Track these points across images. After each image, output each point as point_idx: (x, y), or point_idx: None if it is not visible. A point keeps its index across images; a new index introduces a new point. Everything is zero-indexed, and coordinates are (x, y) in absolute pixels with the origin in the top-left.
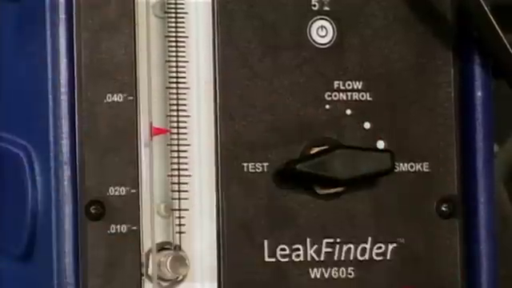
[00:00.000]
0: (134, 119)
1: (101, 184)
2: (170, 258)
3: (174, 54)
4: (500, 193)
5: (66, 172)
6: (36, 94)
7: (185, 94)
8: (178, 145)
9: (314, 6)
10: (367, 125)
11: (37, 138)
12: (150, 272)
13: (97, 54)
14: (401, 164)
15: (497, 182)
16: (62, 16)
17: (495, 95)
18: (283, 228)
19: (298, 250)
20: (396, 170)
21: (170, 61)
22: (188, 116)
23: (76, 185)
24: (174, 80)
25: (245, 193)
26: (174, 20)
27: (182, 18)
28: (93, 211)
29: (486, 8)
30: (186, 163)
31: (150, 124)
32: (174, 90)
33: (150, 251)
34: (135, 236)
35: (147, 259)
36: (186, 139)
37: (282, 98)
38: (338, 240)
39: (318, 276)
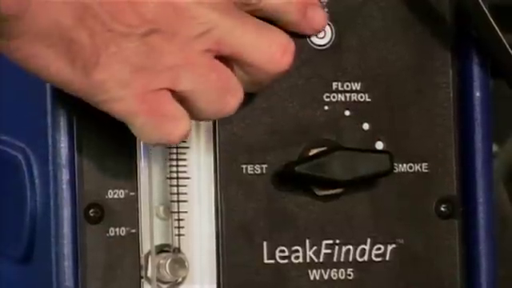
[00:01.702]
0: None
1: (99, 187)
2: (169, 260)
3: None
4: (500, 193)
5: (65, 175)
6: (34, 96)
7: None
8: (177, 147)
9: None
10: (366, 126)
11: (35, 141)
12: (149, 274)
13: None
14: (400, 165)
15: (497, 183)
16: None
17: (495, 95)
18: (282, 230)
19: (298, 251)
20: (395, 171)
21: None
22: None
23: (75, 188)
24: None
25: (244, 195)
26: None
27: None
28: (92, 214)
29: (484, 8)
30: (184, 165)
31: None
32: None
33: (149, 253)
34: (134, 239)
35: (146, 262)
36: (184, 141)
37: (281, 100)
38: (337, 241)
39: (318, 277)
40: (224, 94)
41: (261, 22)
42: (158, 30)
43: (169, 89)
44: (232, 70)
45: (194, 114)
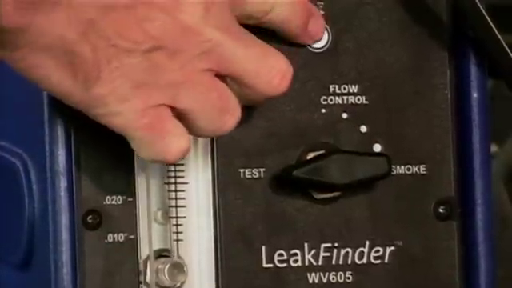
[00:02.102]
0: None
1: (97, 193)
2: (168, 265)
3: None
4: (500, 193)
5: (63, 182)
6: (32, 102)
7: None
8: None
9: None
10: (363, 128)
11: (33, 148)
12: (148, 280)
13: None
14: (398, 167)
15: (497, 183)
16: None
17: (495, 95)
18: (281, 233)
19: (296, 255)
20: (393, 173)
21: None
22: None
23: (72, 195)
24: None
25: (242, 199)
26: None
27: None
28: (90, 221)
29: (481, 8)
30: (182, 170)
31: None
32: None
33: (147, 259)
34: (132, 244)
35: (145, 267)
36: None
37: (278, 103)
38: (336, 244)
39: (317, 281)
40: (223, 114)
41: (263, 44)
42: (161, 47)
43: (168, 105)
44: (228, 86)
45: (193, 131)
